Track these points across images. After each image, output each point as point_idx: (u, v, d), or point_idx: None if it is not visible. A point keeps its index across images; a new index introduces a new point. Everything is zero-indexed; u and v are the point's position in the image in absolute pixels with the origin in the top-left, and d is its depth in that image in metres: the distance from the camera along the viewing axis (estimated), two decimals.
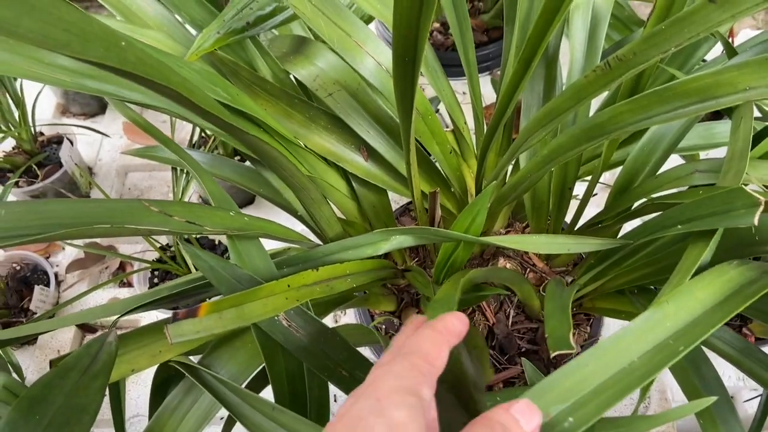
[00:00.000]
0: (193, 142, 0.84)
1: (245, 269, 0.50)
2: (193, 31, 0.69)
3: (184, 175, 0.78)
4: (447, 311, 0.38)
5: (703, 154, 0.77)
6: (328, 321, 0.89)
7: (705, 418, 0.49)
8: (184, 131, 1.11)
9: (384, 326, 0.79)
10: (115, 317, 0.56)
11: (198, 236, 0.95)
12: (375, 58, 0.58)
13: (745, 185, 0.45)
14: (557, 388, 0.35)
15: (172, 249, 0.86)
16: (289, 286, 0.47)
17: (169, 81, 0.36)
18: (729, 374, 0.87)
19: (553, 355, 0.41)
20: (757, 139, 0.60)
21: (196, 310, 0.40)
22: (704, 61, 0.74)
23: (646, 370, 0.36)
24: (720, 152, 0.89)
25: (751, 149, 0.59)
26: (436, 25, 1.12)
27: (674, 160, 0.65)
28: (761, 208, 0.41)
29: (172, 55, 0.60)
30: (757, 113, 0.60)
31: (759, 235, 0.52)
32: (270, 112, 0.64)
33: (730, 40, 0.97)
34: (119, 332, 0.51)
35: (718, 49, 0.76)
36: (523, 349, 0.73)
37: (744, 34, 1.24)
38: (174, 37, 0.68)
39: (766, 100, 0.48)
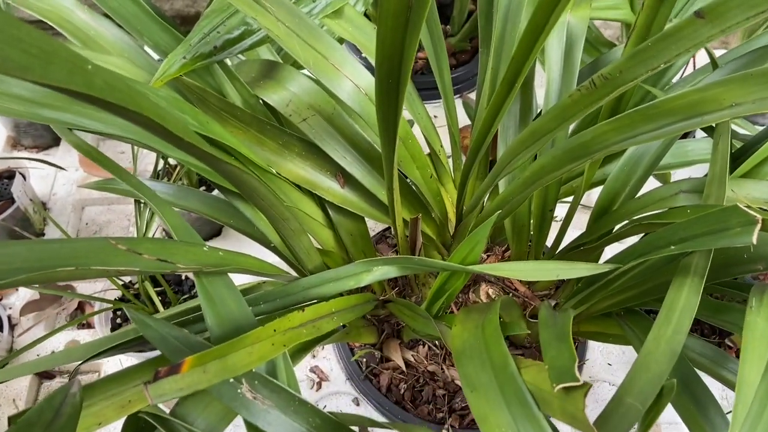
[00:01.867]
0: (158, 171, 0.80)
1: (215, 314, 0.47)
2: (156, 57, 0.66)
3: (147, 209, 0.74)
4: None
5: (677, 173, 0.77)
6: (306, 359, 0.86)
7: None
8: (145, 162, 1.06)
9: (365, 359, 0.75)
10: (76, 364, 0.52)
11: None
12: (353, 81, 0.56)
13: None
14: None
15: (136, 286, 0.81)
16: (275, 330, 0.43)
17: (140, 107, 0.33)
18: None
19: (557, 388, 0.39)
20: (738, 157, 0.60)
21: (179, 366, 0.36)
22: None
23: None
24: (692, 171, 0.89)
25: (735, 168, 0.59)
26: None
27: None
28: (759, 226, 0.40)
29: (136, 81, 0.57)
30: (742, 130, 0.60)
31: (748, 253, 0.52)
32: (241, 140, 0.61)
33: (690, 65, 0.99)
34: (81, 378, 0.47)
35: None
36: None
37: (700, 56, 1.27)
38: (136, 63, 0.64)
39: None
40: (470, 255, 0.52)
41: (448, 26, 1.13)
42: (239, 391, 0.42)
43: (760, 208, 0.54)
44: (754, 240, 0.40)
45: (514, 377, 0.40)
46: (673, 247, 0.47)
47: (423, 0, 0.37)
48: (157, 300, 0.75)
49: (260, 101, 0.65)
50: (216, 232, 1.01)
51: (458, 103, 1.14)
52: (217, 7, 0.61)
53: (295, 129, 0.62)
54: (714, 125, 0.54)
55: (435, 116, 1.16)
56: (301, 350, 0.57)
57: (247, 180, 0.44)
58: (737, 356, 0.87)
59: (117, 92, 0.30)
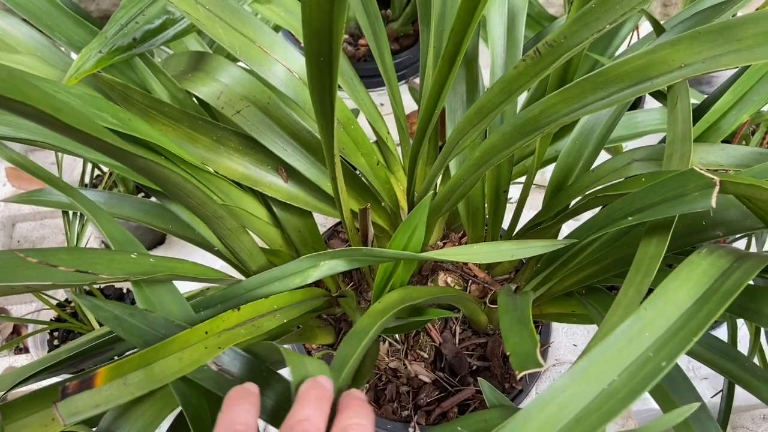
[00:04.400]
0: (86, 181, 0.74)
1: None
2: (74, 56, 0.61)
3: (78, 219, 0.69)
4: (361, 345, 0.34)
5: (629, 144, 0.76)
6: None
7: (680, 424, 0.45)
8: (75, 171, 1.00)
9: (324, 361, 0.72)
10: (2, 393, 0.47)
11: (101, 286, 0.85)
12: (285, 65, 0.52)
13: None
14: (534, 421, 0.30)
15: (73, 305, 0.75)
16: (207, 332, 0.39)
17: (40, 103, 0.28)
18: (685, 366, 0.86)
19: (519, 375, 0.37)
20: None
21: (92, 379, 0.32)
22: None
23: (629, 390, 0.32)
24: (643, 142, 0.89)
25: None
26: (345, 36, 1.08)
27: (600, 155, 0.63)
28: (717, 189, 0.39)
29: (46, 79, 0.52)
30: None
31: (707, 219, 0.50)
32: (171, 138, 0.57)
33: (635, 34, 0.99)
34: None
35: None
36: (475, 367, 0.69)
37: (645, 26, 1.27)
38: (49, 61, 0.59)
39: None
40: (411, 241, 0.49)
41: (389, 10, 1.10)
42: (206, 365, 0.39)
43: (715, 170, 0.53)
44: (713, 203, 0.38)
45: None
46: (630, 218, 0.45)
47: None
48: (93, 320, 0.70)
49: (191, 96, 0.61)
50: (160, 240, 0.96)
51: (404, 89, 1.11)
52: None
53: (230, 123, 0.58)
54: (666, 90, 0.52)
55: (382, 104, 1.14)
56: None
57: (168, 176, 0.40)
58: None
59: (15, 89, 0.26)
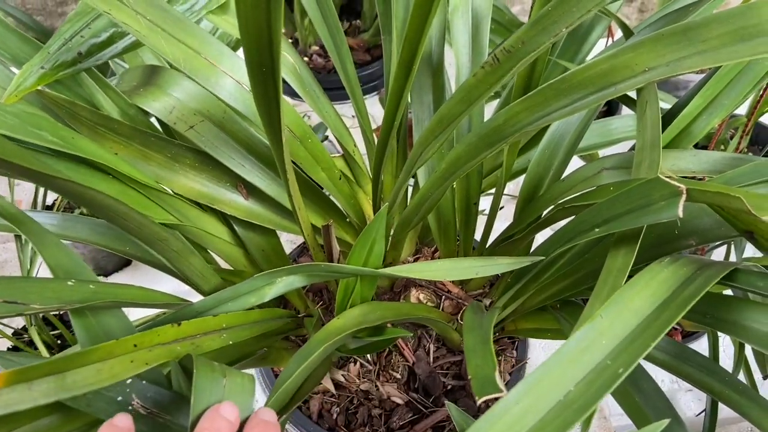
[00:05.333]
0: (44, 203, 0.71)
1: (91, 339, 0.40)
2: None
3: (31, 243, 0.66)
4: (303, 365, 0.32)
5: (602, 152, 0.74)
6: None
7: None
8: (30, 192, 0.97)
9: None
10: None
11: (58, 313, 0.81)
12: (233, 77, 0.50)
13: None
14: None
15: (25, 335, 0.72)
16: (136, 345, 0.37)
17: None
18: (662, 378, 0.84)
19: (480, 401, 0.34)
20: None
21: None
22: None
23: (585, 400, 0.30)
24: (618, 149, 0.87)
25: None
26: (315, 48, 1.06)
27: (574, 164, 0.61)
28: (684, 197, 0.37)
29: None
30: (664, 104, 0.57)
31: (679, 228, 0.48)
32: (122, 156, 0.54)
33: (609, 39, 0.97)
34: None
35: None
36: (449, 387, 0.66)
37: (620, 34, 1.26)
38: None
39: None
40: (371, 256, 0.47)
41: (359, 21, 1.08)
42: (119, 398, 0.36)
43: (687, 178, 0.51)
44: (680, 213, 0.36)
45: None
46: (597, 230, 0.43)
47: None
48: (42, 347, 0.66)
49: (145, 112, 0.58)
50: (126, 262, 0.93)
51: (375, 101, 1.10)
52: (81, 9, 0.54)
53: (184, 139, 0.55)
54: (636, 94, 0.51)
55: (353, 116, 1.12)
56: None
57: (96, 199, 0.37)
58: (682, 337, 0.85)
59: None
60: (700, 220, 0.47)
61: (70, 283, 0.41)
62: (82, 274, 0.45)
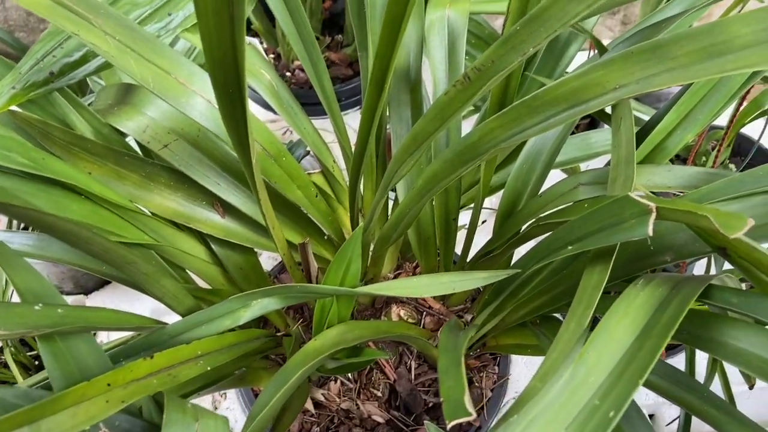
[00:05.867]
0: (13, 222, 0.71)
1: (62, 369, 0.39)
2: None
3: None
4: (282, 389, 0.31)
5: (583, 166, 0.74)
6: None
7: None
8: None
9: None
10: None
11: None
12: (204, 97, 0.49)
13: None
14: None
15: (2, 356, 0.71)
16: (109, 384, 0.36)
17: None
18: (647, 392, 0.83)
19: (449, 425, 0.34)
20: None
21: None
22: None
23: None
24: (599, 162, 0.87)
25: None
26: (298, 62, 1.06)
27: (557, 177, 0.61)
28: (653, 216, 0.36)
29: None
30: (644, 116, 0.57)
31: (654, 244, 0.48)
32: (96, 176, 0.54)
33: (592, 51, 0.98)
34: None
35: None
36: (431, 404, 0.65)
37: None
38: None
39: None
40: (348, 275, 0.47)
41: (341, 35, 1.08)
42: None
43: (662, 193, 0.51)
44: (650, 231, 0.36)
45: None
46: (570, 248, 0.43)
47: None
48: (16, 369, 0.65)
49: (119, 131, 0.58)
50: (107, 280, 0.92)
51: (357, 115, 1.10)
52: (53, 29, 0.54)
53: (159, 158, 0.55)
54: (611, 110, 0.51)
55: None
56: (185, 394, 0.50)
57: (56, 224, 0.37)
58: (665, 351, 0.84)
59: None
60: (675, 235, 0.47)
61: (37, 307, 0.40)
62: (52, 297, 0.44)
